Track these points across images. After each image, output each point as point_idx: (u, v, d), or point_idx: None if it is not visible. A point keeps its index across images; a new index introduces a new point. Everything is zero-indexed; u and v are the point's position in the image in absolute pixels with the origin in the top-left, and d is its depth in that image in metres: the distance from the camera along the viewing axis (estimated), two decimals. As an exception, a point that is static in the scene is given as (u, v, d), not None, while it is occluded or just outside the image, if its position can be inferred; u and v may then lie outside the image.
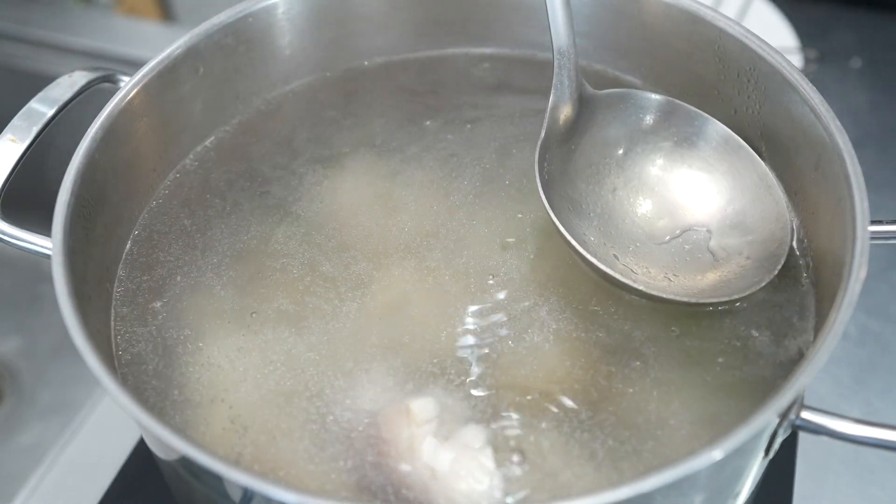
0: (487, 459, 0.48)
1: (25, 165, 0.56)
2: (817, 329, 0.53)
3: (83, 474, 0.71)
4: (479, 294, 0.55)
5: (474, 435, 0.49)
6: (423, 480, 0.47)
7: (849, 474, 0.69)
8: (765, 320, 0.54)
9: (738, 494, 0.52)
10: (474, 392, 0.51)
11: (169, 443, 0.42)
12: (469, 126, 0.66)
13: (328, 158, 0.64)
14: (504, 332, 0.54)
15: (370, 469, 0.48)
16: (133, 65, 0.59)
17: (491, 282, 0.56)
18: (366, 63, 0.70)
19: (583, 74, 0.58)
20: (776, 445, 0.48)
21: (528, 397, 0.51)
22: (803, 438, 0.70)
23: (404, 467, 0.48)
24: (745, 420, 0.42)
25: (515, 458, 0.48)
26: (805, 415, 0.46)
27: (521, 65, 0.70)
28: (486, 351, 0.53)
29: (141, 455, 0.70)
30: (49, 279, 0.48)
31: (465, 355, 0.53)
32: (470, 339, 0.53)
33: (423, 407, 0.50)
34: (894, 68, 0.98)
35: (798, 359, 0.52)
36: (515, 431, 0.49)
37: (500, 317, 0.54)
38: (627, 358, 0.52)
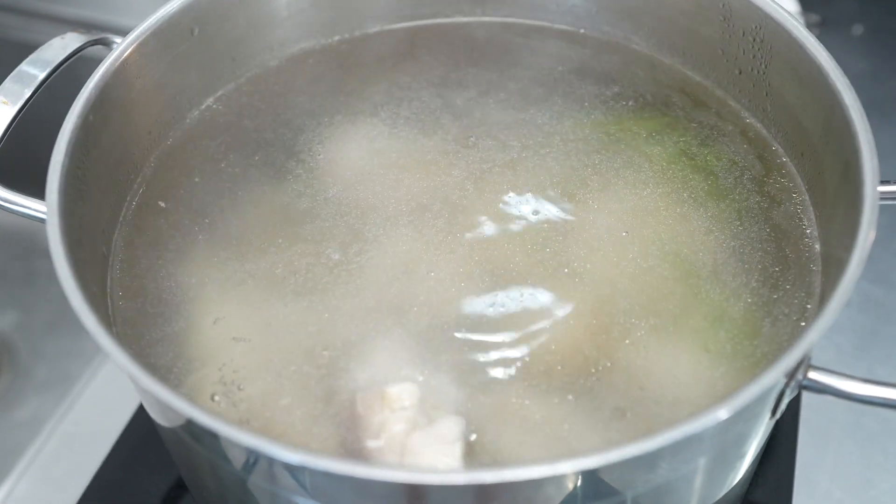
0: (457, 454, 0.46)
1: (19, 133, 0.55)
2: (824, 291, 0.52)
3: (79, 447, 0.70)
4: (481, 266, 0.55)
5: (449, 427, 0.47)
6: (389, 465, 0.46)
7: (850, 441, 0.69)
8: (770, 284, 0.53)
9: (743, 456, 0.51)
10: (467, 372, 0.50)
11: (171, 404, 0.41)
12: (471, 93, 0.65)
13: (327, 123, 0.63)
14: (507, 306, 0.53)
15: (349, 447, 0.47)
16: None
17: (495, 252, 0.55)
18: (365, 30, 0.69)
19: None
20: (783, 406, 0.48)
21: (526, 380, 0.50)
22: (806, 405, 0.70)
23: (373, 452, 0.47)
24: (752, 380, 0.42)
25: (490, 445, 0.47)
26: (812, 375, 0.46)
27: (523, 32, 0.69)
28: (488, 328, 0.52)
29: (137, 427, 0.70)
30: (45, 253, 0.47)
31: (465, 333, 0.52)
32: (470, 314, 0.52)
33: (400, 393, 0.48)
34: (896, 35, 0.97)
35: (803, 323, 0.51)
36: (503, 416, 0.48)
37: (502, 290, 0.53)
38: (643, 324, 0.52)
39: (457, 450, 0.46)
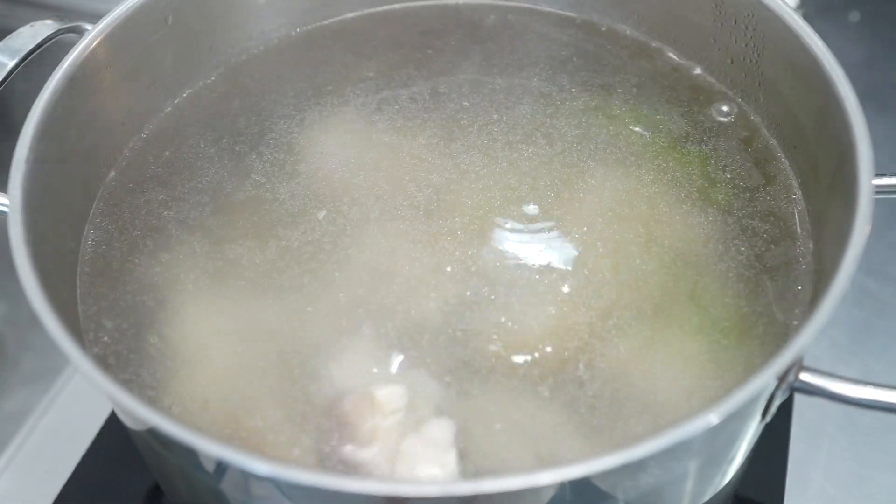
0: (451, 459, 0.45)
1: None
2: (816, 289, 0.51)
3: (62, 440, 0.69)
4: (465, 263, 0.53)
5: (442, 431, 0.46)
6: (381, 472, 0.45)
7: (843, 437, 0.68)
8: (760, 280, 0.52)
9: (732, 459, 0.50)
10: (455, 372, 0.48)
11: (134, 412, 0.39)
12: (456, 81, 0.63)
13: (308, 114, 0.61)
14: (493, 303, 0.51)
15: (332, 450, 0.46)
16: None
17: (480, 248, 0.53)
18: (345, 14, 0.67)
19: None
20: (773, 409, 0.46)
21: (512, 379, 0.48)
22: (798, 401, 0.69)
23: (362, 458, 0.45)
24: (743, 383, 0.40)
25: (482, 449, 0.46)
26: (804, 377, 0.44)
27: (510, 15, 0.67)
28: (470, 325, 0.50)
29: (120, 421, 0.69)
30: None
31: (450, 330, 0.50)
32: (455, 313, 0.51)
33: (390, 396, 0.47)
34: (893, 22, 0.96)
35: (794, 322, 0.50)
36: (494, 417, 0.47)
37: (488, 286, 0.52)
38: (622, 324, 0.50)
39: (452, 457, 0.45)
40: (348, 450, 0.45)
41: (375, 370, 0.49)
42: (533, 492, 0.39)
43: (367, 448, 0.45)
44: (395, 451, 0.45)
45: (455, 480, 0.42)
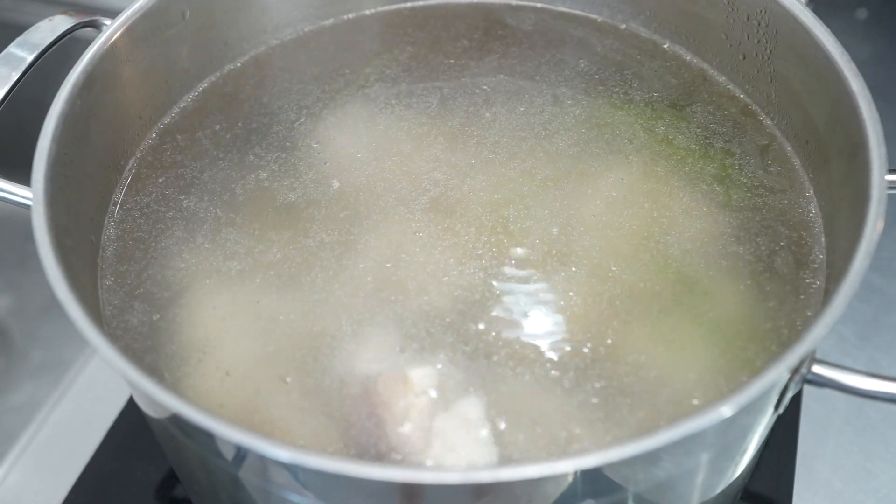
0: (484, 434, 0.46)
1: (8, 117, 0.54)
2: (828, 283, 0.51)
3: (74, 432, 0.70)
4: (480, 250, 0.54)
5: (472, 408, 0.47)
6: (416, 451, 0.45)
7: (851, 430, 0.68)
8: (773, 276, 0.52)
9: (745, 451, 0.51)
10: (476, 355, 0.49)
11: (158, 399, 0.40)
12: (468, 78, 0.64)
13: (321, 109, 0.62)
14: (507, 289, 0.52)
15: (363, 431, 0.46)
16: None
17: (493, 238, 0.54)
18: (361, 11, 0.68)
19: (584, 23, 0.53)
20: (786, 400, 0.47)
21: (533, 360, 0.49)
22: (808, 394, 0.69)
23: (398, 436, 0.46)
24: (757, 376, 0.41)
25: (511, 424, 0.47)
26: (816, 369, 0.45)
27: (521, 13, 0.68)
28: (488, 310, 0.51)
29: (132, 413, 0.69)
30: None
31: (467, 315, 0.51)
32: (472, 298, 0.51)
33: (422, 377, 0.48)
34: (901, 19, 0.96)
35: (808, 313, 0.50)
36: (517, 397, 0.48)
37: (503, 274, 0.53)
38: (640, 311, 0.51)
39: (486, 431, 0.46)
40: (384, 430, 0.46)
41: (400, 355, 0.49)
42: (549, 480, 0.40)
43: (402, 427, 0.46)
44: (428, 429, 0.46)
45: (480, 466, 0.43)
